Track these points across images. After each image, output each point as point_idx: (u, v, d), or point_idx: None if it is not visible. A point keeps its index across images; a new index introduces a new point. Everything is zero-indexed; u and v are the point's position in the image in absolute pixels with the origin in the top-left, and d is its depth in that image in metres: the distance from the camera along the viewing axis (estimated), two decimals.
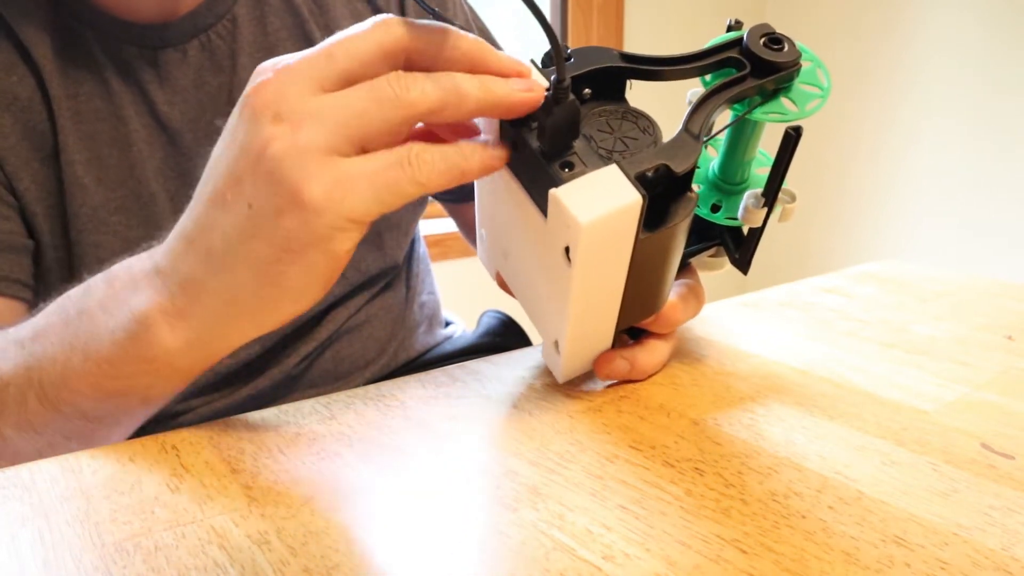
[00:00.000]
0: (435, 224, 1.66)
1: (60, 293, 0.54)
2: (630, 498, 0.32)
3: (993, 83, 1.66)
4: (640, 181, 0.33)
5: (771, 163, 0.40)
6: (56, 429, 0.39)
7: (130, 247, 0.53)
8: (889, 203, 1.85)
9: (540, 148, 0.34)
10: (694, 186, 0.41)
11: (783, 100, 0.39)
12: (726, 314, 0.56)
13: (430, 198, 0.70)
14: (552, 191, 0.33)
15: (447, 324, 0.79)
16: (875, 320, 0.58)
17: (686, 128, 0.36)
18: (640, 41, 1.80)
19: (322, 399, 0.42)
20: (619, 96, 0.38)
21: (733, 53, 0.38)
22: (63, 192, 0.52)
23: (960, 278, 0.70)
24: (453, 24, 0.37)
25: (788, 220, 0.42)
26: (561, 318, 0.37)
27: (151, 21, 0.53)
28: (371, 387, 0.44)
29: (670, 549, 0.29)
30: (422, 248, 0.75)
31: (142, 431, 0.39)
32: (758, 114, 0.39)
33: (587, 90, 0.37)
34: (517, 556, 0.28)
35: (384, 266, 0.65)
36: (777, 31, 0.38)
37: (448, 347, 0.73)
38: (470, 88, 0.33)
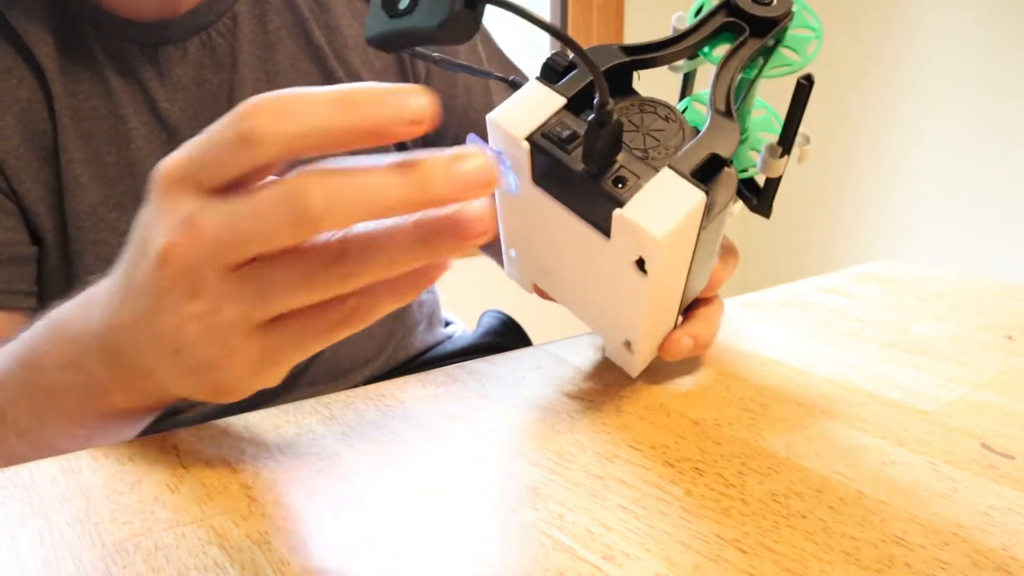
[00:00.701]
0: None
1: (60, 290, 0.54)
2: (630, 498, 0.32)
3: (993, 83, 1.66)
4: (696, 177, 0.33)
5: (765, 105, 0.40)
6: (44, 455, 0.39)
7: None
8: (889, 203, 1.85)
9: (587, 170, 0.33)
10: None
11: (783, 51, 0.39)
12: (726, 314, 0.56)
13: None
14: (617, 212, 0.32)
15: (447, 324, 0.79)
16: (875, 320, 0.58)
17: (715, 108, 0.35)
18: (640, 41, 1.80)
19: (322, 399, 0.42)
20: (627, 88, 0.38)
21: (725, 18, 0.38)
22: (62, 191, 0.52)
23: (960, 278, 0.70)
24: (455, 63, 0.36)
25: (806, 161, 0.42)
26: (634, 321, 0.37)
27: (152, 19, 0.53)
28: (371, 387, 0.44)
29: (670, 549, 0.29)
30: None
31: (143, 431, 0.40)
32: (768, 73, 0.39)
33: None
34: (517, 556, 0.28)
35: None
36: None
37: (448, 347, 0.73)
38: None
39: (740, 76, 0.38)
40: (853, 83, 1.87)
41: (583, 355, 0.47)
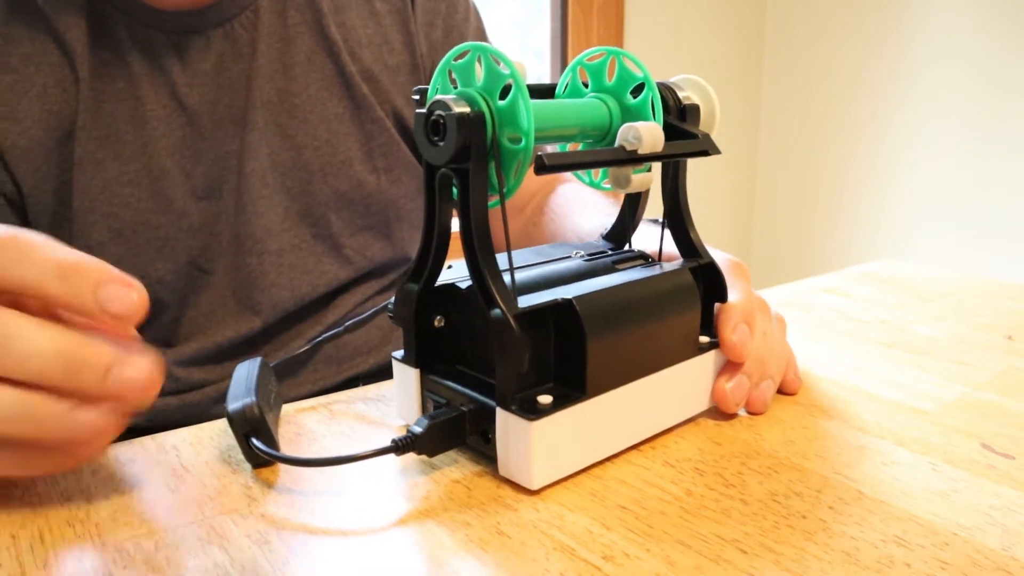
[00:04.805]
0: None
1: None
2: (630, 498, 0.32)
3: (993, 83, 1.66)
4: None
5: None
6: None
7: (140, 217, 0.57)
8: (889, 203, 1.85)
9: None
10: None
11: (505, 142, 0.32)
12: None
13: None
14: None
15: None
16: (875, 320, 0.58)
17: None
18: (640, 41, 1.80)
19: (322, 399, 0.42)
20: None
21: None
22: (74, 168, 0.54)
23: (960, 278, 0.70)
24: None
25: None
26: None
27: (180, 8, 0.56)
28: (371, 387, 0.44)
29: (670, 549, 0.29)
30: None
31: (144, 431, 0.39)
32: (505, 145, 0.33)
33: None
34: (517, 556, 0.28)
35: (392, 256, 0.67)
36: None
37: None
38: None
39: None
40: (853, 83, 1.87)
41: None
